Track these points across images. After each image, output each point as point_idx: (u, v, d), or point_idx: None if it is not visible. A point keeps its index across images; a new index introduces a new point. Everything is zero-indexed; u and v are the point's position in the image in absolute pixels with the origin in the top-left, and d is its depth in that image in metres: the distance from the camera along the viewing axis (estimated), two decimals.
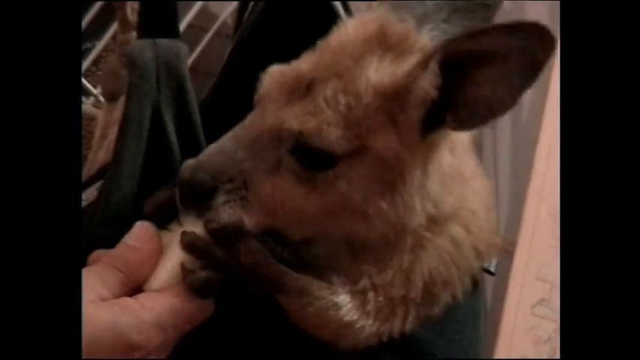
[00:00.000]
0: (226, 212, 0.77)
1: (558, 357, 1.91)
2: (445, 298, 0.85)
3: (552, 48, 0.66)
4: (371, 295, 0.81)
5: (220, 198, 0.76)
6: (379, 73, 0.74)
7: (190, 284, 0.76)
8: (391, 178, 0.76)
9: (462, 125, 0.74)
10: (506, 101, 0.71)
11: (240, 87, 1.03)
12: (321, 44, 0.82)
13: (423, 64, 0.71)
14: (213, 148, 0.78)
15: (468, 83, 0.72)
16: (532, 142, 2.08)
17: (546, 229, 2.00)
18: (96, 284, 0.73)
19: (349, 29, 0.81)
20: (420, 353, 0.86)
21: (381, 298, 0.81)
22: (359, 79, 0.74)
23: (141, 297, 0.74)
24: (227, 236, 0.77)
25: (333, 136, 0.73)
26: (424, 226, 0.82)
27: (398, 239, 0.81)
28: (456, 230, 0.84)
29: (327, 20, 0.87)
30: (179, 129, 0.93)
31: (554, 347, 1.95)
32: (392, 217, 0.78)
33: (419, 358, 0.87)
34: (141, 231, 0.80)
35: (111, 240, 0.88)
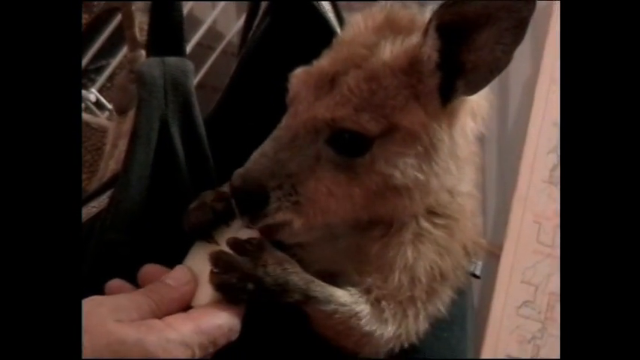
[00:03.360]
0: (279, 216, 0.77)
1: (541, 356, 1.91)
2: (445, 293, 0.85)
3: (534, 4, 0.70)
4: (384, 303, 0.81)
5: (273, 204, 0.76)
6: (393, 53, 0.76)
7: (215, 284, 0.76)
8: (423, 150, 0.77)
9: (471, 89, 0.77)
10: (503, 60, 0.74)
11: (244, 101, 1.03)
12: (335, 41, 0.84)
13: (424, 33, 0.74)
14: (257, 153, 0.78)
15: (469, 48, 0.74)
16: (517, 152, 2.08)
17: (531, 235, 2.00)
18: (130, 308, 0.73)
19: (359, 22, 0.83)
20: (408, 350, 0.85)
21: (392, 305, 0.81)
22: (376, 64, 0.76)
23: (168, 318, 0.74)
24: (250, 248, 0.77)
25: (362, 120, 0.74)
26: (425, 216, 0.83)
27: (400, 233, 0.82)
28: (452, 224, 0.84)
29: (325, 38, 0.87)
30: (185, 140, 0.93)
31: (538, 346, 1.94)
32: (434, 184, 0.79)
33: (407, 355, 0.86)
34: (180, 273, 0.80)
35: (120, 244, 0.88)
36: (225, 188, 0.87)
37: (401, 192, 0.77)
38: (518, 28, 0.71)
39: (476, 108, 0.83)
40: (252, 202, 0.76)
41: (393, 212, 0.81)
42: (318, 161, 0.76)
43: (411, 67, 0.75)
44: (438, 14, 0.72)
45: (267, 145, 0.78)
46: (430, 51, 0.74)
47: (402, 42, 0.77)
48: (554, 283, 1.96)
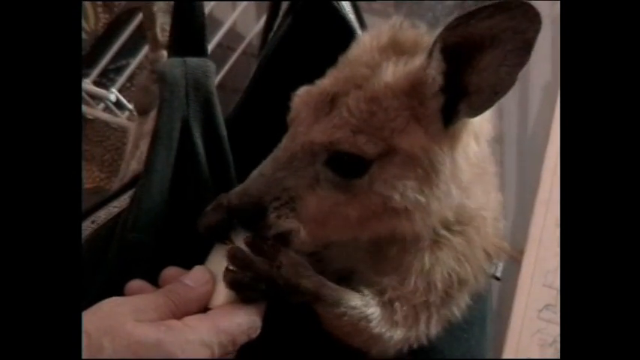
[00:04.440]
0: (284, 224, 0.77)
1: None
2: (462, 299, 0.85)
3: (539, 25, 0.68)
4: (397, 305, 0.81)
5: (272, 214, 0.76)
6: (395, 74, 0.75)
7: (229, 282, 0.77)
8: (424, 172, 0.76)
9: (474, 111, 0.76)
10: (507, 81, 0.73)
11: (264, 102, 1.04)
12: (341, 60, 0.83)
13: (429, 55, 0.73)
14: (254, 173, 0.78)
15: (473, 70, 0.73)
16: (539, 155, 2.08)
17: (552, 238, 1.99)
18: (149, 308, 0.74)
19: (365, 41, 0.82)
20: (429, 351, 0.86)
21: (405, 308, 0.81)
22: (377, 85, 0.75)
23: (187, 318, 0.75)
24: (267, 249, 0.78)
25: (359, 142, 0.73)
26: (443, 225, 0.82)
27: (417, 240, 0.81)
28: (469, 230, 0.84)
29: (346, 39, 0.87)
30: (206, 141, 0.93)
31: (559, 350, 1.93)
32: (434, 207, 0.78)
33: (428, 356, 0.86)
34: (198, 274, 0.80)
35: (142, 245, 0.88)
36: None
37: (399, 213, 0.77)
38: (523, 50, 0.70)
39: (478, 130, 0.82)
40: (250, 217, 0.77)
41: (393, 232, 0.80)
42: (316, 182, 0.76)
43: (414, 89, 0.75)
44: (442, 36, 0.71)
45: (264, 166, 0.78)
46: (434, 73, 0.73)
47: (405, 63, 0.77)
48: None
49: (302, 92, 0.81)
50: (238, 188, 0.78)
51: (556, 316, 1.95)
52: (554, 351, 1.93)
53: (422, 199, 0.76)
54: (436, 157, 0.76)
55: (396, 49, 0.79)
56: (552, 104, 2.09)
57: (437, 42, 0.72)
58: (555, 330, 1.94)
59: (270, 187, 0.76)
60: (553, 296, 1.96)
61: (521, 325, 1.95)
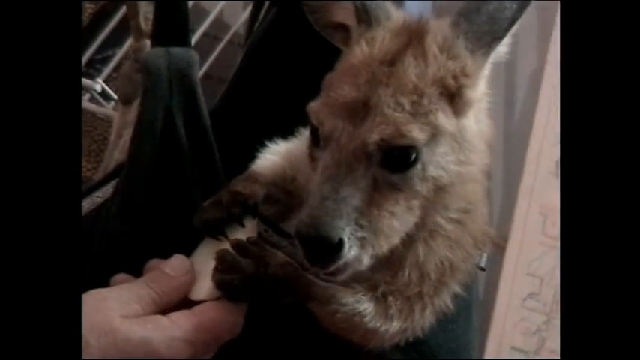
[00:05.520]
0: (350, 257, 0.73)
1: (546, 348, 1.91)
2: (454, 286, 0.85)
3: None
4: (391, 299, 0.80)
5: (345, 247, 0.73)
6: (433, 64, 0.75)
7: (217, 282, 0.77)
8: (457, 143, 0.76)
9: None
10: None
11: (249, 92, 1.03)
12: (344, 67, 0.80)
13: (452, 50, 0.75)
14: (316, 198, 0.74)
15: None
16: (523, 144, 2.08)
17: (536, 227, 2.00)
18: (132, 300, 0.74)
19: (368, 43, 0.79)
20: (414, 341, 0.85)
21: (399, 301, 0.81)
22: (409, 76, 0.74)
23: (172, 315, 0.75)
24: (253, 250, 0.78)
25: (412, 132, 0.72)
26: (439, 212, 0.81)
27: (414, 235, 0.80)
28: (465, 218, 0.83)
29: None
30: (189, 131, 0.93)
31: (543, 338, 1.94)
32: (470, 176, 0.79)
33: (412, 346, 0.86)
34: (178, 262, 0.80)
35: (125, 234, 0.88)
36: (240, 188, 0.86)
37: (447, 190, 0.77)
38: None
39: (478, 107, 0.81)
40: (327, 253, 0.73)
41: (439, 212, 0.80)
42: (376, 187, 0.74)
43: (455, 79, 0.75)
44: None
45: (323, 187, 0.74)
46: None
47: (424, 50, 0.76)
48: None
49: (320, 106, 0.77)
50: (306, 219, 0.73)
51: (540, 305, 1.96)
52: (538, 339, 1.94)
53: (461, 169, 0.76)
54: (462, 124, 0.76)
55: (408, 34, 0.78)
56: (536, 95, 2.09)
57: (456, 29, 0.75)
58: (539, 318, 1.95)
59: (341, 211, 0.73)
60: (537, 285, 1.97)
61: (506, 314, 1.96)
